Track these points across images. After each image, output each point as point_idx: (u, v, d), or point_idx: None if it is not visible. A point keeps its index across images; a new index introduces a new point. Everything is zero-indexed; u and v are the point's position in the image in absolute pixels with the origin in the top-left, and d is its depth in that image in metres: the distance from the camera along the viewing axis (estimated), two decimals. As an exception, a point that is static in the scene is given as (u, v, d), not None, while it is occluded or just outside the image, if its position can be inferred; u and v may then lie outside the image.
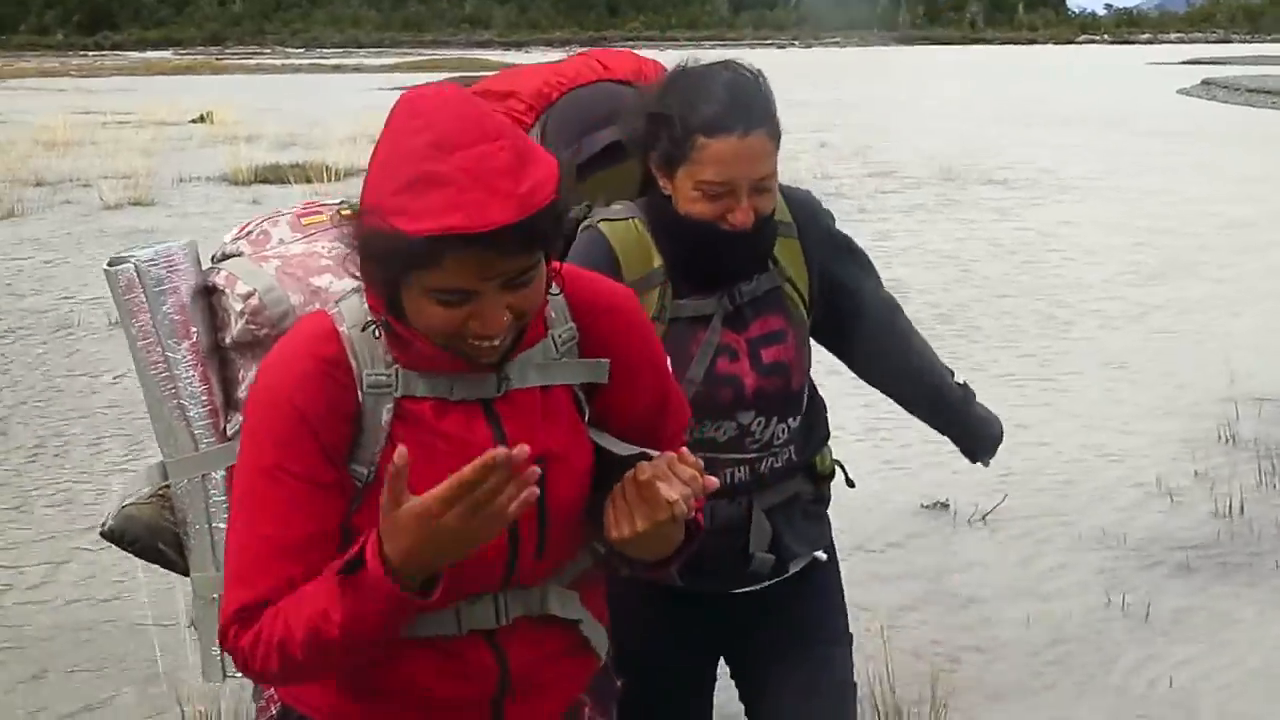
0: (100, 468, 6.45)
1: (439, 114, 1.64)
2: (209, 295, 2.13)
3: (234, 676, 2.11)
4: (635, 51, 2.83)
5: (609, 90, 2.62)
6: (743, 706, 2.72)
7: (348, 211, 2.10)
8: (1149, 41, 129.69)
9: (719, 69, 2.38)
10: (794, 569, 2.61)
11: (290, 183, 16.45)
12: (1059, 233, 12.98)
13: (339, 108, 29.02)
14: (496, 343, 1.70)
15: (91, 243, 12.70)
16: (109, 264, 2.12)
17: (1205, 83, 41.00)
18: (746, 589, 2.59)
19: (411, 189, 1.60)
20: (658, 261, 2.43)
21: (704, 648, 2.73)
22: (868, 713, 3.83)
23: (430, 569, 1.62)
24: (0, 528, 5.72)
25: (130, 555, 2.21)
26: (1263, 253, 11.69)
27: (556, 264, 1.80)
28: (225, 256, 2.18)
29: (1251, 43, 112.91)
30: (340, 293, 1.88)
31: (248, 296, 2.06)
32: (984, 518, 5.61)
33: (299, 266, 2.11)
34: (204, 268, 2.17)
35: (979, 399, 2.87)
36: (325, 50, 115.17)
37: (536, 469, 1.55)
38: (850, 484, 2.80)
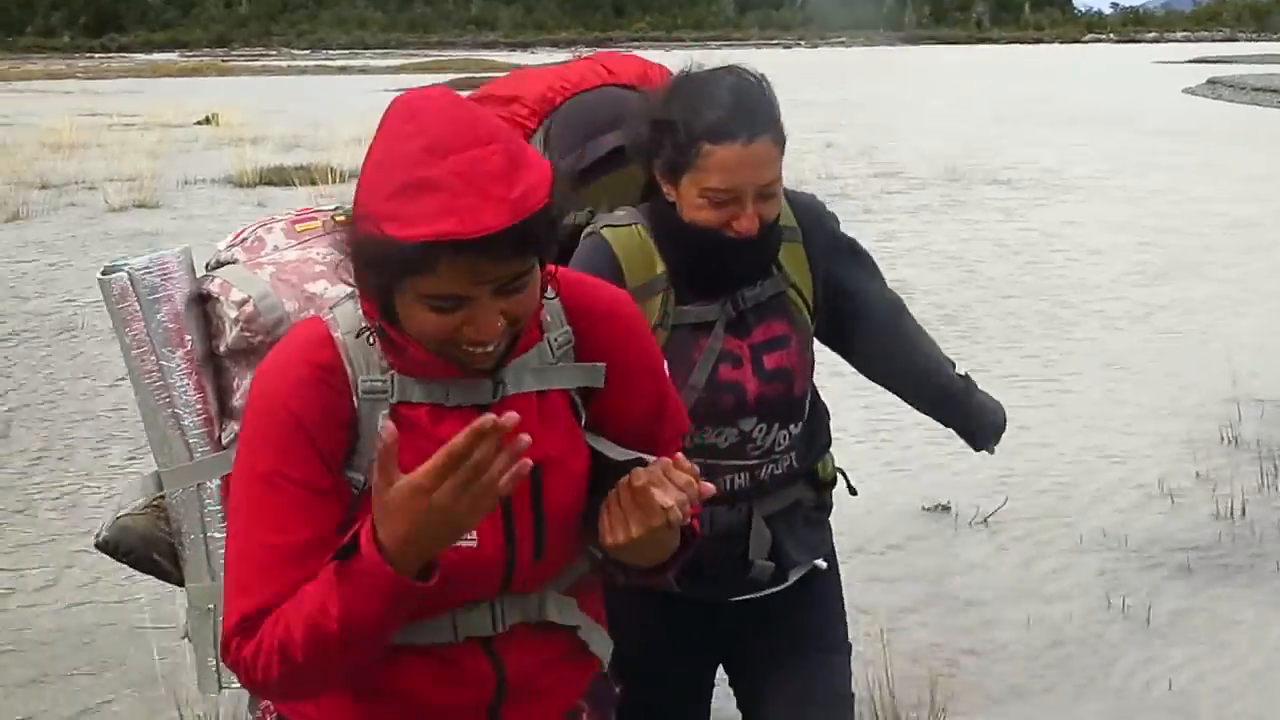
0: (104, 471, 6.45)
1: (431, 118, 1.64)
2: (203, 303, 2.13)
3: (229, 687, 2.10)
4: (641, 55, 2.82)
5: (614, 95, 2.61)
6: (740, 713, 2.71)
7: (341, 217, 2.10)
8: (1155, 40, 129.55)
9: (723, 74, 2.37)
10: (794, 577, 2.60)
11: (295, 185, 16.47)
12: (1063, 233, 12.96)
13: (344, 109, 28.99)
14: (491, 348, 1.69)
15: (96, 245, 12.71)
16: (103, 272, 2.12)
17: (1211, 82, 40.90)
18: (746, 596, 2.58)
19: (404, 194, 1.59)
20: (661, 268, 2.42)
21: (702, 654, 2.72)
22: (866, 716, 3.83)
23: (426, 554, 1.59)
24: (3, 531, 5.73)
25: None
26: (1268, 252, 11.67)
27: (552, 268, 1.79)
28: (220, 264, 2.18)
29: (1258, 41, 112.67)
30: (335, 299, 1.88)
31: (242, 304, 2.06)
32: (985, 520, 5.61)
33: (293, 273, 2.10)
34: (198, 275, 2.16)
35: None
36: (331, 52, 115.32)
37: (526, 437, 1.53)
38: (853, 491, 2.80)
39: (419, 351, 1.72)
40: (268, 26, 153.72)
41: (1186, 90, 39.01)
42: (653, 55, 2.84)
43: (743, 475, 2.49)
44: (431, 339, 1.69)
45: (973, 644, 4.56)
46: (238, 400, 2.10)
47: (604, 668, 2.01)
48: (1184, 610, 4.78)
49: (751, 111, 2.31)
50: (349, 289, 1.79)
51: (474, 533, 1.74)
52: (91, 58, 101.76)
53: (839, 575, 2.73)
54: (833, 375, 2.98)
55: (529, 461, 1.54)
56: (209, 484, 2.09)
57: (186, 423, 2.08)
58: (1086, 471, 6.27)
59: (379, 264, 1.64)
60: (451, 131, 1.62)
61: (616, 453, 1.84)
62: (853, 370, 2.82)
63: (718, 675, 2.81)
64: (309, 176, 16.82)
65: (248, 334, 2.06)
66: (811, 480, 2.63)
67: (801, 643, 2.61)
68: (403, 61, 79.02)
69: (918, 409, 2.89)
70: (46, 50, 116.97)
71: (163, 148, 21.58)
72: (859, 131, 23.88)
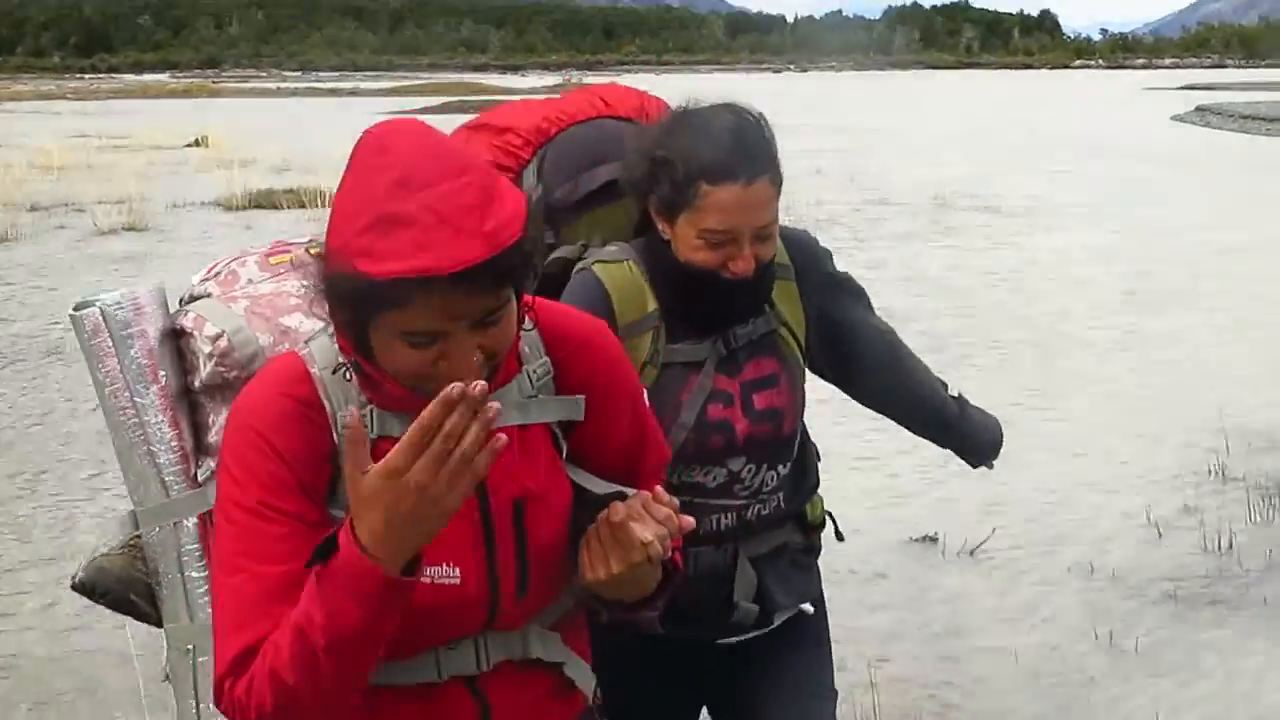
0: (98, 495, 6.43)
1: (402, 151, 1.61)
2: (177, 338, 2.10)
3: None
4: (631, 79, 2.81)
5: (609, 127, 2.56)
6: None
7: (315, 250, 2.08)
8: (1144, 66, 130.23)
9: (722, 111, 2.33)
10: (779, 620, 2.56)
11: (283, 208, 16.46)
12: (1051, 261, 12.99)
13: (334, 131, 28.96)
14: (468, 383, 1.68)
15: (85, 268, 12.69)
16: (74, 308, 2.09)
17: (1200, 109, 41.12)
18: (730, 639, 2.54)
19: (376, 229, 1.57)
20: (653, 305, 2.38)
21: (686, 696, 2.68)
22: (851, 749, 3.82)
23: (407, 546, 1.53)
24: (-6, 555, 5.70)
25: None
26: (1256, 281, 11.69)
27: (529, 298, 1.77)
28: (193, 298, 2.15)
29: (1246, 68, 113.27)
30: (310, 333, 1.85)
31: (216, 338, 2.03)
32: (971, 551, 5.59)
33: (268, 306, 2.08)
34: (172, 310, 2.14)
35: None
36: (321, 73, 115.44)
37: (497, 405, 1.49)
38: (840, 537, 2.76)
39: (395, 387, 1.69)
40: (258, 48, 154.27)
41: (1175, 117, 39.18)
42: (642, 79, 2.84)
43: (729, 515, 2.45)
44: (407, 375, 1.66)
45: (957, 674, 4.54)
46: (213, 436, 2.07)
47: (589, 702, 1.97)
48: (1169, 642, 4.76)
49: (751, 152, 2.27)
50: (324, 323, 1.76)
51: (457, 569, 1.72)
52: (82, 78, 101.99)
53: (826, 619, 2.68)
54: (820, 403, 2.96)
55: (504, 437, 1.49)
56: (185, 522, 2.06)
57: (162, 460, 2.05)
58: (1073, 502, 6.25)
59: (352, 300, 1.62)
60: (423, 164, 1.59)
61: (597, 485, 1.81)
62: (841, 397, 2.81)
63: (702, 717, 2.78)
64: (298, 200, 16.83)
65: (222, 369, 2.03)
66: (800, 523, 2.59)
67: (787, 689, 2.56)
68: (394, 84, 79.15)
69: (914, 433, 2.86)
70: (37, 70, 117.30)
71: (153, 170, 21.61)
72: (847, 157, 23.94)
